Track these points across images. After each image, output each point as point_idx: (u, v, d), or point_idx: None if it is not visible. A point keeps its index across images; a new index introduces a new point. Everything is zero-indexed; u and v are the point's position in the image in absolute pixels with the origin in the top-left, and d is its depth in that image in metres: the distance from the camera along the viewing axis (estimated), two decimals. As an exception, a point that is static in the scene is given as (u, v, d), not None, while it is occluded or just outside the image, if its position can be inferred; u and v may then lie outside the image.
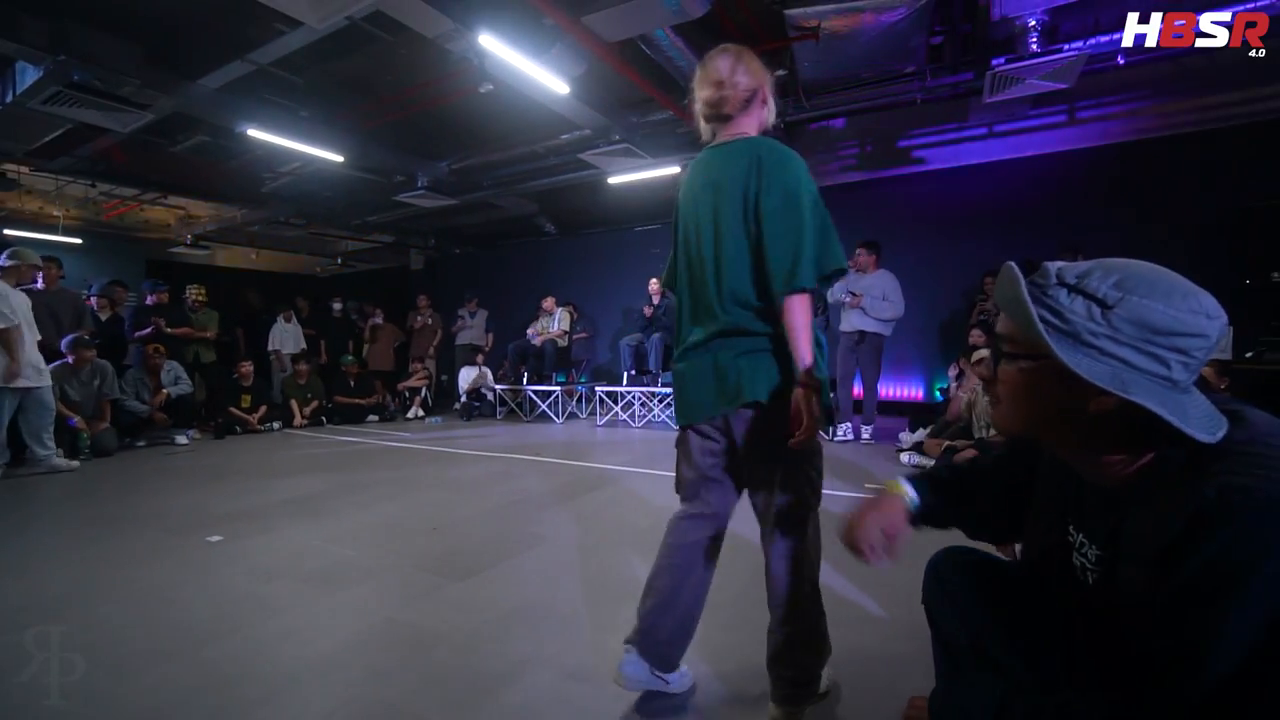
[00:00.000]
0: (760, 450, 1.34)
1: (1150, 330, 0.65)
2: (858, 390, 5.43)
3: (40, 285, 4.96)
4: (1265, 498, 0.60)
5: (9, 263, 4.26)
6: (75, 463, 4.49)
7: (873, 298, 5.13)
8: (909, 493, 1.01)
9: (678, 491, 1.54)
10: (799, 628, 1.34)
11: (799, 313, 1.25)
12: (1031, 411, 0.75)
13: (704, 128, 1.46)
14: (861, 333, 5.23)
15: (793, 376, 1.27)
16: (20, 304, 4.18)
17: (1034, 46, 4.05)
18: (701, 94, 1.39)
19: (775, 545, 1.36)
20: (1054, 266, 0.73)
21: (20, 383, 4.09)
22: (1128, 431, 0.69)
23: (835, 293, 5.33)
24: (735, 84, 1.36)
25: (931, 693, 0.89)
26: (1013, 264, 0.73)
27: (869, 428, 5.36)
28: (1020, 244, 5.94)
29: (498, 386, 7.80)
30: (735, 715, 1.44)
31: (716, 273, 1.35)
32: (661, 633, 1.42)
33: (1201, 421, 0.65)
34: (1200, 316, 0.65)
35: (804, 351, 1.25)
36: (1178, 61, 4.83)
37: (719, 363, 1.35)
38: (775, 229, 1.27)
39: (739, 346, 1.33)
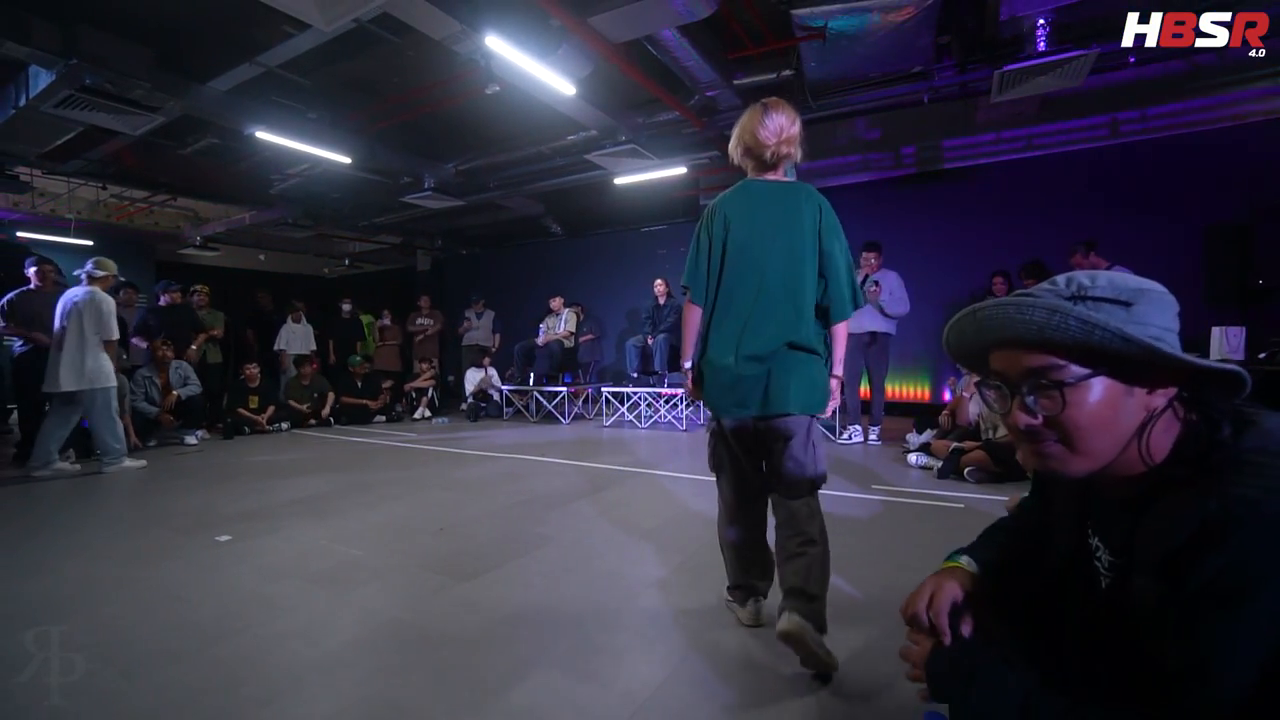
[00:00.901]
0: (799, 436, 1.67)
1: (1162, 314, 0.71)
2: (864, 390, 5.42)
3: (34, 286, 5.03)
4: (1271, 513, 0.58)
5: (100, 272, 4.58)
6: (142, 461, 4.70)
7: (884, 293, 5.17)
8: (966, 561, 0.98)
9: (716, 471, 1.88)
10: (822, 550, 1.64)
11: (845, 331, 1.76)
12: (1110, 429, 0.70)
13: (741, 160, 1.78)
14: (873, 334, 5.23)
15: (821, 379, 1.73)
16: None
17: (1042, 46, 4.02)
18: (765, 141, 1.69)
19: (802, 498, 1.68)
20: (1045, 289, 0.74)
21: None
22: (1170, 416, 0.72)
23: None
24: (794, 144, 1.72)
25: (932, 652, 0.87)
26: (1002, 302, 0.72)
27: (875, 428, 5.33)
28: (1027, 244, 5.90)
29: (504, 387, 7.82)
30: (745, 700, 1.43)
31: (794, 296, 1.67)
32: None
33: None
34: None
35: (842, 357, 1.78)
36: (1190, 60, 4.79)
37: (782, 369, 1.67)
38: (839, 267, 1.70)
39: (800, 358, 1.69)
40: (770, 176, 1.75)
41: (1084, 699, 0.67)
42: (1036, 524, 0.96)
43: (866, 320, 5.18)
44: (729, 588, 1.93)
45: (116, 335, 4.50)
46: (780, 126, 1.68)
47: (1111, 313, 0.69)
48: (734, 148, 1.77)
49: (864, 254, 5.28)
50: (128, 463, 4.50)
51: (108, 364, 4.44)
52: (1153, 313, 0.70)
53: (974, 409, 4.13)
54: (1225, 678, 0.58)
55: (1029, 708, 0.68)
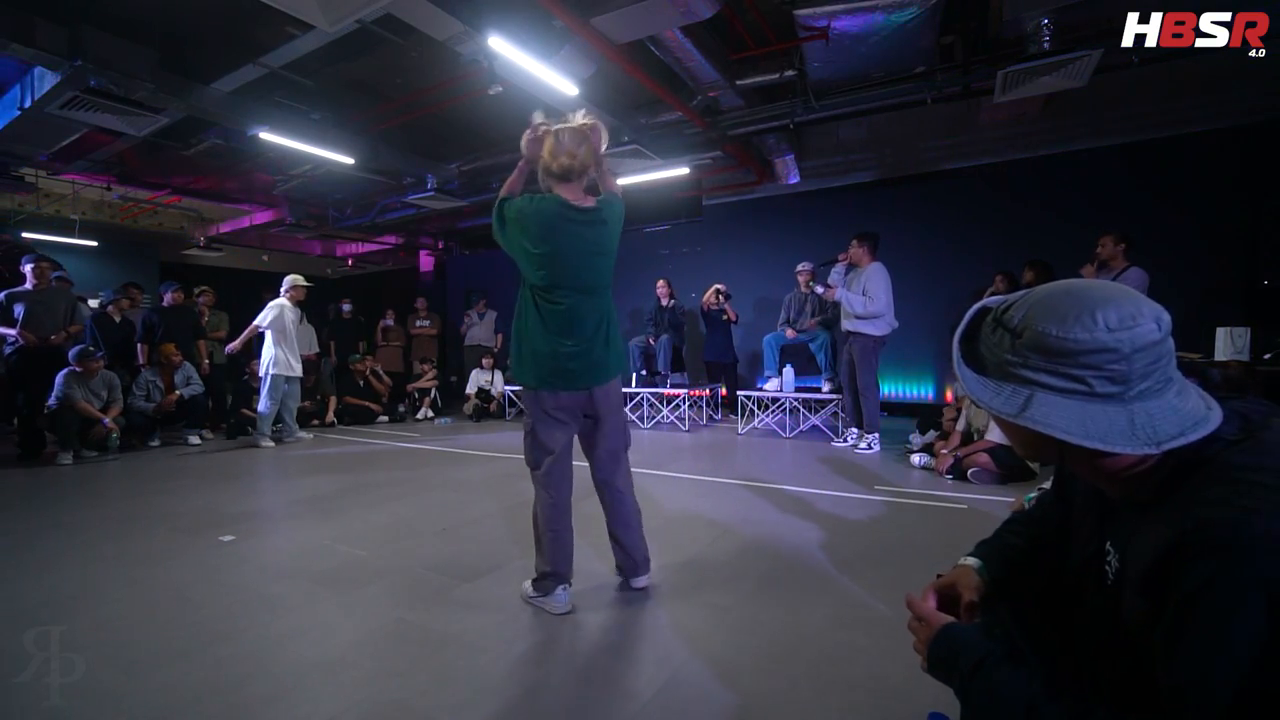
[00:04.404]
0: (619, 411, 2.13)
1: (1050, 354, 0.67)
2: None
3: (31, 285, 5.09)
4: (1249, 537, 0.57)
5: (288, 287, 5.86)
6: (310, 435, 6.14)
7: (845, 290, 4.78)
8: (973, 562, 0.99)
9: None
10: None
11: None
12: (1018, 437, 0.76)
13: (548, 182, 1.96)
14: (847, 332, 4.86)
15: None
16: (290, 318, 5.78)
17: (1046, 45, 4.01)
18: (560, 160, 1.90)
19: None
20: (1000, 300, 0.76)
21: (290, 372, 5.73)
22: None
23: (833, 279, 5.10)
24: (580, 157, 1.92)
25: (937, 634, 0.83)
26: (972, 309, 0.80)
27: (871, 437, 4.84)
28: (1030, 245, 5.88)
29: (506, 388, 7.82)
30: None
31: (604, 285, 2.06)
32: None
33: (1142, 431, 0.64)
34: (1097, 332, 0.64)
35: None
36: (1194, 59, 4.78)
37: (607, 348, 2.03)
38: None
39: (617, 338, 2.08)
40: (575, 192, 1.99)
41: (1088, 701, 0.66)
42: (1056, 522, 0.96)
43: (844, 319, 4.89)
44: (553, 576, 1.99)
45: (261, 328, 5.64)
46: (572, 145, 1.92)
47: (997, 342, 0.73)
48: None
49: (851, 243, 4.97)
50: (265, 443, 5.59)
51: (269, 354, 5.61)
52: (1036, 345, 0.68)
53: (961, 420, 4.12)
54: (1201, 703, 0.57)
55: (1034, 710, 0.67)
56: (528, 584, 2.05)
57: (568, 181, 1.93)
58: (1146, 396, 0.66)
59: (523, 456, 2.06)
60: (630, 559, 2.11)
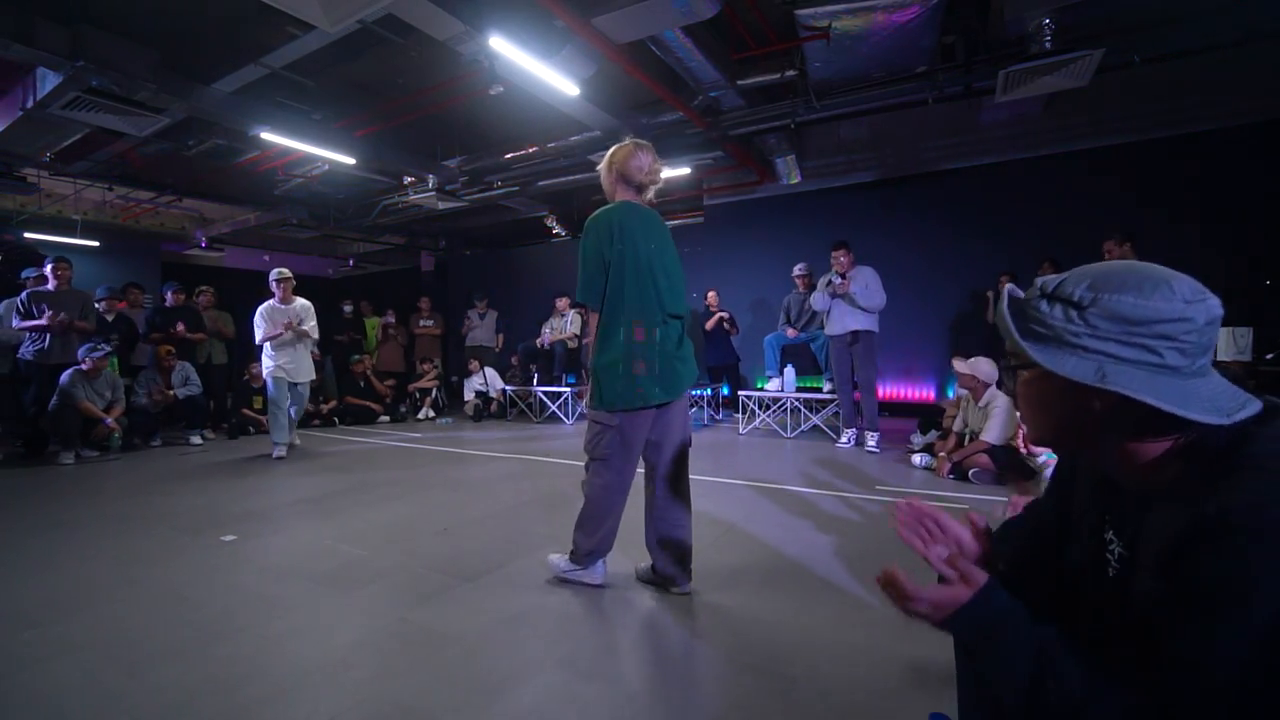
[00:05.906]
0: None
1: (1128, 323, 0.66)
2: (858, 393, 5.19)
3: (52, 286, 5.16)
4: (1272, 519, 0.58)
5: (276, 280, 5.19)
6: (297, 442, 5.47)
7: (856, 286, 4.86)
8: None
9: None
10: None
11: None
12: (1050, 418, 0.77)
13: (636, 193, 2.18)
14: (855, 333, 4.92)
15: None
16: (281, 315, 5.11)
17: (1047, 45, 4.01)
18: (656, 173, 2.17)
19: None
20: (1040, 280, 0.76)
21: (286, 376, 5.12)
22: (1140, 423, 0.68)
23: (818, 303, 5.13)
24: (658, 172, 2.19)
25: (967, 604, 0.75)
26: (1011, 286, 0.79)
27: (874, 435, 4.91)
28: (1030, 244, 5.88)
29: (507, 387, 7.82)
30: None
31: (671, 292, 2.14)
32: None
33: (1207, 403, 0.64)
34: (1176, 302, 0.65)
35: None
36: (1194, 59, 4.78)
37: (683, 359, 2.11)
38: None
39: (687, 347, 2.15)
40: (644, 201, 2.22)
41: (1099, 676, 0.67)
42: (1054, 517, 0.96)
43: (849, 320, 4.91)
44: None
45: (257, 339, 5.11)
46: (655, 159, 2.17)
47: (1056, 314, 0.71)
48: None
49: (835, 254, 5.01)
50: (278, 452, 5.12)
51: (266, 358, 5.14)
52: (1112, 313, 0.67)
53: (959, 420, 4.10)
54: (1213, 677, 0.59)
55: (1045, 664, 0.68)
56: (559, 559, 2.12)
57: (640, 193, 2.19)
58: (1201, 374, 0.67)
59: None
60: (683, 569, 2.09)
